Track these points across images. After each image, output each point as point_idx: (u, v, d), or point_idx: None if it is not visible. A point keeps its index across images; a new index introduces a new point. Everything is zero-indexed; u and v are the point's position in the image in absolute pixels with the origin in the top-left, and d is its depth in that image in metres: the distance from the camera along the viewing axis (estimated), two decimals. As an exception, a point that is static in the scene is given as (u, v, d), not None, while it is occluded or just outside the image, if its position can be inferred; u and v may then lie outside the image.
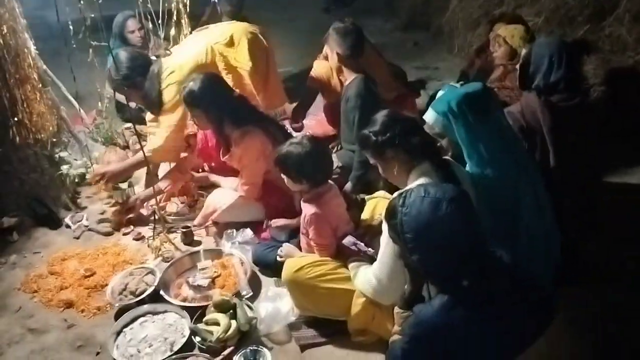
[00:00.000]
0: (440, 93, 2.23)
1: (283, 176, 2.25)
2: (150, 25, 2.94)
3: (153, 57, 2.92)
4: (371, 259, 2.07)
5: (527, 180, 2.07)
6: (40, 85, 2.82)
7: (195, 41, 2.92)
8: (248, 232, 2.69)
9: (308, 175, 2.19)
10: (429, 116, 2.14)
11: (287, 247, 2.37)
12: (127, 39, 3.61)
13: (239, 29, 2.93)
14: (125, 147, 3.50)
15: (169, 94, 2.75)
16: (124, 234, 2.85)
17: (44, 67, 3.08)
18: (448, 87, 2.23)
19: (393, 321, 1.82)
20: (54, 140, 2.99)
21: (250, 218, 2.76)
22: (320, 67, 3.20)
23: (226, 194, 2.79)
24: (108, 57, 2.81)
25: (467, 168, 2.10)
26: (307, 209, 2.21)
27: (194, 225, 2.82)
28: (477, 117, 2.04)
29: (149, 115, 2.89)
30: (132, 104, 3.09)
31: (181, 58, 2.82)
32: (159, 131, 2.83)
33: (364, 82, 2.77)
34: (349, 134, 2.88)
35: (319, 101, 3.47)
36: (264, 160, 2.64)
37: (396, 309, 1.74)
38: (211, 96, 2.55)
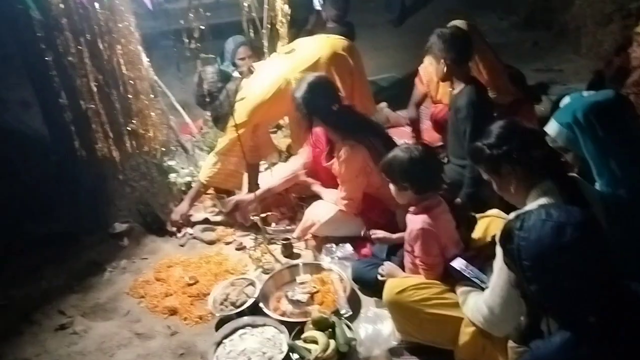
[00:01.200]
0: (564, 101, 2.15)
1: (390, 185, 2.27)
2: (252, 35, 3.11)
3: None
4: (482, 285, 2.03)
5: None
6: (152, 95, 3.13)
7: (275, 68, 3.03)
8: (348, 248, 2.74)
9: (415, 180, 2.20)
10: (552, 128, 2.08)
11: (388, 266, 2.38)
12: (238, 65, 3.83)
13: (325, 54, 3.01)
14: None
15: (236, 117, 2.90)
16: (226, 243, 3.02)
17: (155, 77, 3.39)
18: (573, 94, 2.14)
19: (506, 355, 1.78)
20: (163, 149, 3.27)
21: (350, 233, 2.82)
22: (429, 70, 3.19)
23: (326, 207, 2.87)
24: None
25: (597, 187, 2.00)
26: (414, 223, 2.22)
27: (294, 238, 2.93)
28: (608, 130, 1.95)
29: None
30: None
31: (256, 86, 2.99)
32: (211, 153, 3.05)
33: (476, 90, 2.74)
34: (458, 147, 2.85)
35: (426, 108, 3.50)
36: (364, 176, 2.70)
37: (510, 343, 1.70)
38: (319, 100, 2.65)
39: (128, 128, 2.94)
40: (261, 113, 3.01)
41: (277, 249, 2.91)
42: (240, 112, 2.96)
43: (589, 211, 1.46)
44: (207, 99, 2.98)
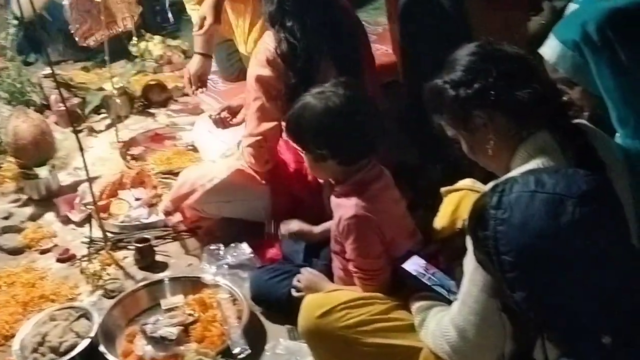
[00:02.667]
0: (570, 9, 2.19)
1: (303, 154, 2.30)
2: None
3: None
4: (449, 297, 2.06)
5: None
6: None
7: None
8: (244, 249, 2.74)
9: (337, 145, 2.20)
10: (550, 50, 2.11)
11: (307, 275, 2.40)
12: None
13: None
14: (45, 107, 3.60)
15: None
16: (42, 252, 2.96)
17: None
18: (586, 3, 2.17)
19: (485, 402, 1.81)
20: None
21: (244, 215, 2.88)
22: None
23: (215, 166, 2.93)
24: None
25: (618, 139, 2.06)
26: (342, 210, 2.24)
27: (160, 236, 2.95)
28: (634, 51, 2.00)
29: None
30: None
31: None
32: None
33: None
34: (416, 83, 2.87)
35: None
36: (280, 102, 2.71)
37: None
38: None
39: None
40: None
41: (128, 256, 2.88)
42: None
43: (601, 176, 1.49)
44: None
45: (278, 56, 2.68)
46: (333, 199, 2.31)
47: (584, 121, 2.04)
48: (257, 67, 2.74)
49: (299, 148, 2.31)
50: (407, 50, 3.15)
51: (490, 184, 1.78)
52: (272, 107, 2.74)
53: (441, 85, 1.94)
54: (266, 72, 2.70)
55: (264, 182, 2.85)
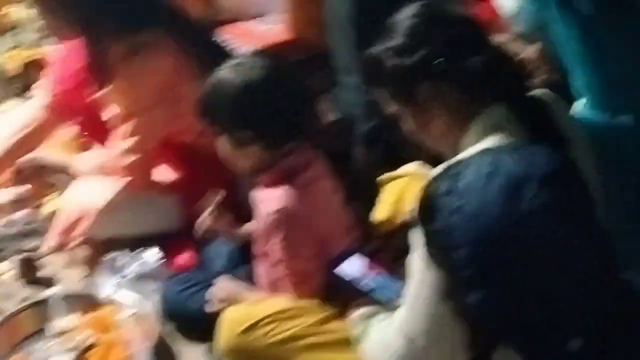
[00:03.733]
0: None
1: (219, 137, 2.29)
2: None
3: None
4: (394, 302, 2.06)
5: None
6: None
7: None
8: (151, 256, 2.74)
9: (261, 124, 2.21)
10: (508, 1, 2.19)
11: (226, 284, 2.40)
12: None
13: None
14: None
15: None
16: None
17: None
18: None
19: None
20: None
21: (153, 228, 2.87)
22: None
23: (98, 184, 2.86)
24: None
25: (582, 111, 2.12)
26: (268, 202, 2.24)
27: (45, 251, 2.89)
28: (604, 4, 2.04)
29: None
30: None
31: None
32: None
33: None
34: (345, 53, 2.91)
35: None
36: (168, 104, 2.72)
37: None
38: None
39: None
40: None
41: (9, 272, 2.86)
42: None
43: (564, 155, 1.51)
44: None
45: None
46: (255, 192, 2.31)
47: (542, 90, 2.07)
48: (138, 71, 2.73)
49: (215, 132, 2.30)
50: (334, 16, 3.17)
51: (440, 168, 1.81)
52: (159, 116, 2.74)
53: (381, 54, 1.95)
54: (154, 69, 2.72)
55: (164, 190, 2.88)
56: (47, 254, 2.90)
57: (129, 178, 2.79)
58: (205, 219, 2.58)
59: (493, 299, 1.43)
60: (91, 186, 2.87)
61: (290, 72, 2.34)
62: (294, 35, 3.74)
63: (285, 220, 2.20)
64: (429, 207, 1.49)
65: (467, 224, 1.42)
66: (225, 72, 2.26)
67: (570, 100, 2.10)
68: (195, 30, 2.87)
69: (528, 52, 2.15)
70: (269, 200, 2.24)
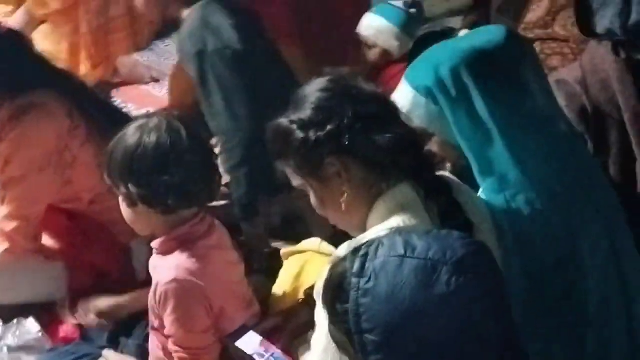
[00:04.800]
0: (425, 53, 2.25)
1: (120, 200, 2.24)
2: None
3: None
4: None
5: (592, 213, 2.14)
6: None
7: None
8: (30, 326, 2.67)
9: (154, 188, 2.16)
10: (402, 97, 2.17)
11: (112, 357, 2.34)
12: None
13: None
14: None
15: None
16: None
17: None
18: (443, 44, 2.25)
19: None
20: None
21: (33, 297, 2.80)
22: None
23: None
24: None
25: (482, 194, 2.14)
26: (161, 272, 2.20)
27: None
28: (494, 96, 2.09)
29: None
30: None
31: None
32: None
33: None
34: (211, 110, 3.13)
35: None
36: (55, 169, 2.68)
37: None
38: None
39: None
40: None
41: None
42: None
43: (476, 241, 1.51)
44: None
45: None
46: (151, 260, 2.26)
47: (447, 174, 2.11)
48: (29, 132, 2.65)
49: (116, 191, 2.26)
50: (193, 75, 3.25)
51: (345, 245, 1.78)
52: (48, 180, 2.68)
53: (287, 126, 1.94)
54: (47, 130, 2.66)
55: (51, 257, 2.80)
56: None
57: (8, 245, 2.70)
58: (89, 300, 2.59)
59: (402, 385, 1.39)
60: None
61: (194, 137, 2.27)
62: (173, 102, 3.80)
63: (177, 292, 2.15)
64: (336, 287, 1.44)
65: (377, 307, 1.38)
66: (127, 131, 2.21)
67: (475, 186, 2.13)
68: (88, 92, 2.85)
69: (431, 145, 2.18)
70: (162, 269, 2.20)
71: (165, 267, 2.19)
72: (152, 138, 2.16)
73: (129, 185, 2.16)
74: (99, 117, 2.71)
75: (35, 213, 2.73)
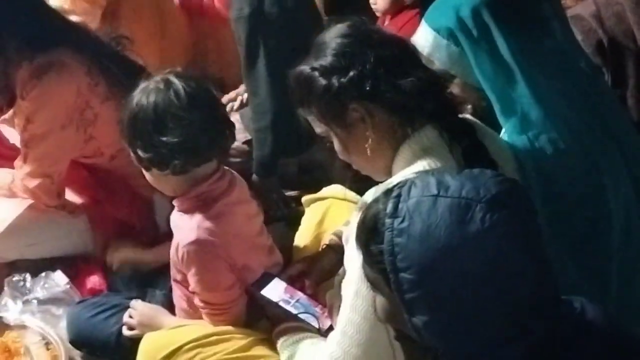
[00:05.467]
0: None
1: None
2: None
3: None
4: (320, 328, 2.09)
5: (613, 150, 2.16)
6: None
7: None
8: (58, 279, 2.68)
9: (161, 150, 2.14)
10: (422, 39, 2.17)
11: (142, 308, 2.36)
12: None
13: None
14: None
15: None
16: None
17: None
18: None
19: None
20: None
21: (59, 251, 2.82)
22: None
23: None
24: None
25: (504, 135, 2.15)
26: (182, 232, 2.21)
27: None
28: (515, 36, 2.09)
29: None
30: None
31: None
32: None
33: None
34: (251, 71, 3.04)
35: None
36: (79, 123, 2.68)
37: None
38: None
39: None
40: None
41: None
42: None
43: (509, 177, 1.52)
44: None
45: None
46: (172, 216, 2.27)
47: (470, 116, 2.11)
48: (49, 89, 2.65)
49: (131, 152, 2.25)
50: (242, 36, 3.22)
51: (372, 190, 1.79)
52: (69, 137, 2.69)
53: (309, 73, 1.93)
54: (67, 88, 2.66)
55: (74, 211, 2.81)
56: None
57: (32, 201, 2.74)
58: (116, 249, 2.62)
59: (438, 322, 1.41)
60: None
61: (196, 94, 2.22)
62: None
63: (199, 254, 2.16)
64: (371, 228, 1.46)
65: (411, 246, 1.39)
66: (140, 93, 2.19)
67: (496, 127, 2.14)
68: (105, 47, 2.82)
69: (452, 87, 2.17)
70: (182, 230, 2.20)
71: (187, 228, 2.19)
72: (150, 99, 2.16)
73: (137, 150, 2.17)
74: (118, 72, 2.70)
75: (57, 170, 2.74)
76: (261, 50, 3.07)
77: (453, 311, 1.39)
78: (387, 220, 1.42)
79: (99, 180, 2.83)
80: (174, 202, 2.25)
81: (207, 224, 2.17)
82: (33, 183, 2.71)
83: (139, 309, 2.35)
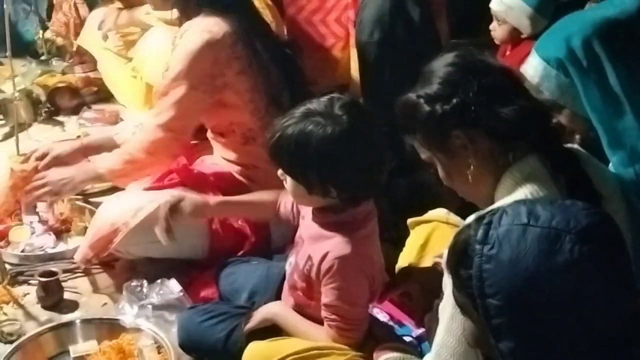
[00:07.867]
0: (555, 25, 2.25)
1: (288, 181, 2.24)
2: None
3: None
4: (417, 347, 2.14)
5: None
6: None
7: None
8: (173, 286, 2.73)
9: (347, 181, 2.16)
10: (532, 68, 2.17)
11: (271, 307, 2.41)
12: None
13: None
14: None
15: None
16: None
17: None
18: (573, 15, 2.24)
19: None
20: None
21: (177, 254, 2.86)
22: None
23: (136, 198, 2.88)
24: None
25: (611, 167, 2.13)
26: (330, 243, 2.20)
27: (69, 269, 2.91)
28: (626, 68, 2.07)
29: None
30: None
31: None
32: None
33: None
34: (377, 94, 3.08)
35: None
36: (207, 88, 2.82)
37: None
38: None
39: None
40: None
41: (30, 292, 2.85)
42: None
43: (602, 211, 1.50)
44: None
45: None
46: (312, 226, 2.28)
47: (576, 146, 2.09)
48: (191, 50, 2.80)
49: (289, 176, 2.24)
50: (369, 61, 3.27)
51: (473, 216, 1.81)
52: (197, 99, 2.82)
53: (415, 100, 1.96)
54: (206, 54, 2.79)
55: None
56: (72, 276, 2.93)
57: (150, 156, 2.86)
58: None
59: (523, 349, 1.41)
60: (126, 200, 2.90)
61: (372, 124, 2.26)
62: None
63: (348, 268, 2.18)
64: (461, 253, 1.47)
65: (499, 273, 1.40)
66: (303, 118, 2.17)
67: (604, 158, 2.11)
68: (258, 25, 2.98)
69: (561, 117, 2.16)
70: (331, 242, 2.21)
71: (340, 240, 2.19)
72: (343, 128, 2.14)
73: (324, 183, 2.15)
74: (262, 53, 2.84)
75: (182, 127, 2.88)
76: (388, 75, 3.13)
77: (538, 339, 1.40)
78: (477, 247, 1.43)
79: (224, 189, 2.88)
80: (320, 213, 2.26)
81: (360, 241, 2.20)
82: (156, 135, 2.84)
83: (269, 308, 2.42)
